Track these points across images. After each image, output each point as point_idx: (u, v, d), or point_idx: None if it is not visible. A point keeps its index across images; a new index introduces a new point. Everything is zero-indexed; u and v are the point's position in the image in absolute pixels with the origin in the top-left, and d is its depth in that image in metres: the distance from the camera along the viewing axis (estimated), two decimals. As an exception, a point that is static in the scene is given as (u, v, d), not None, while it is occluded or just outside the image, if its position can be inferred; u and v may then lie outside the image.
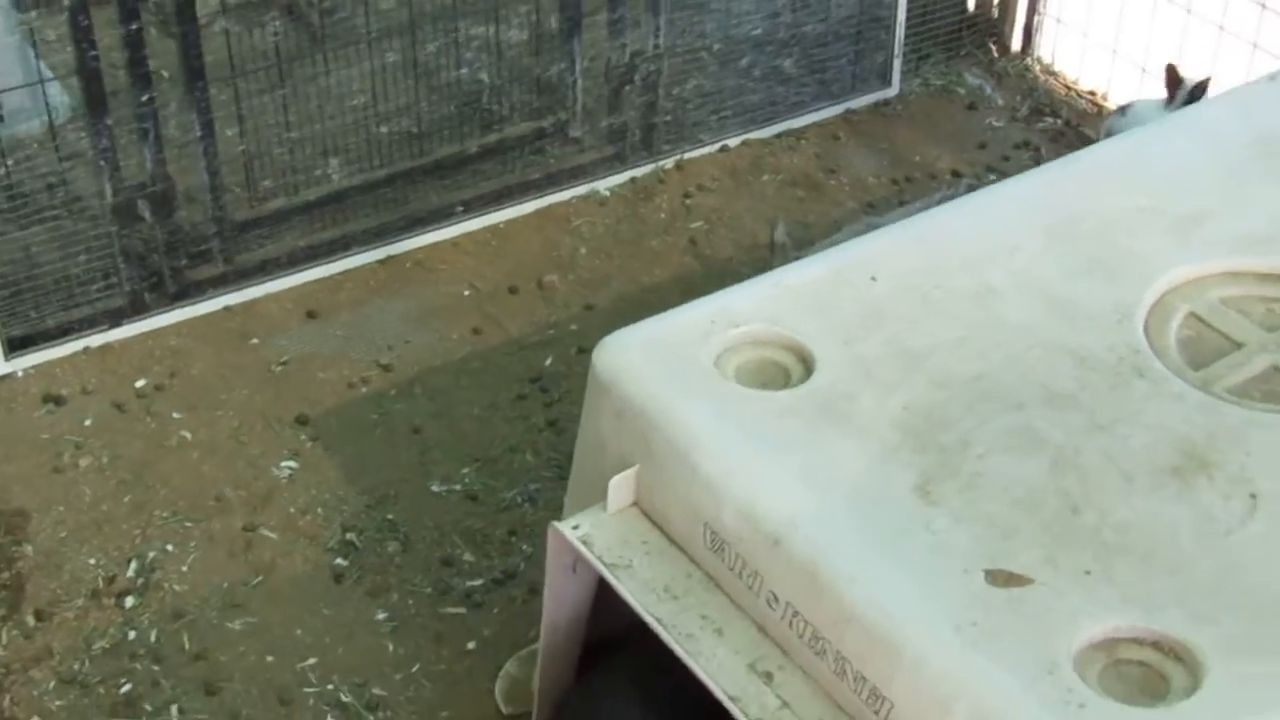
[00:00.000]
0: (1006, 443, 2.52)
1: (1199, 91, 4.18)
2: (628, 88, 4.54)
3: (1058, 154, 4.75)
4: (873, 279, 2.84)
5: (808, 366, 2.68)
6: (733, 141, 4.78)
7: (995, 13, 5.24)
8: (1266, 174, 3.14)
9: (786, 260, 4.11)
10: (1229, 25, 4.57)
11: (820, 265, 2.90)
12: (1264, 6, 4.46)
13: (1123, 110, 4.49)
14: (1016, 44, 5.22)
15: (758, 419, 2.56)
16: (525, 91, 4.47)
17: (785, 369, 2.69)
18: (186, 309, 4.16)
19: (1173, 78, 4.26)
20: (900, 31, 4.94)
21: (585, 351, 4.09)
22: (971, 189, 4.40)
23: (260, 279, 4.24)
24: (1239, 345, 2.78)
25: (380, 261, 4.33)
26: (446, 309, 4.23)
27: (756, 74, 4.80)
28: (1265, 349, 2.77)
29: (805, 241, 4.33)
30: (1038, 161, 4.80)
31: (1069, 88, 5.13)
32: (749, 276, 4.09)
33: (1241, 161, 3.17)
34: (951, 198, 4.29)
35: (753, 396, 2.60)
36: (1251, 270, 2.92)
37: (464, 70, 4.37)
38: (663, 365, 2.66)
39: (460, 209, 4.44)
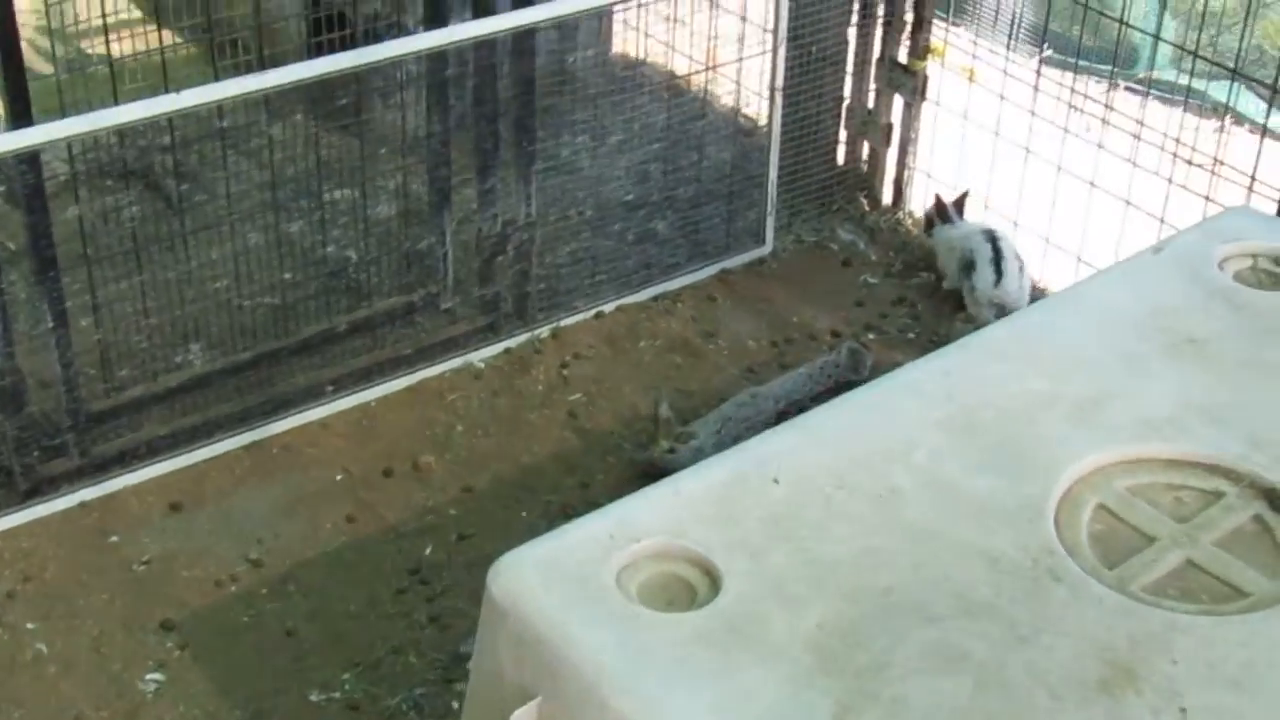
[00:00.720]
0: (926, 661, 2.42)
1: (959, 206, 4.76)
2: (500, 257, 4.46)
3: (933, 310, 4.79)
4: (775, 481, 2.74)
5: (714, 582, 2.56)
6: (608, 307, 4.72)
7: (865, 167, 5.24)
8: (1160, 352, 3.11)
9: (671, 434, 4.04)
10: (1100, 180, 4.59)
11: (720, 468, 2.80)
12: (1134, 165, 4.50)
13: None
14: (888, 198, 5.23)
15: (666, 646, 2.43)
16: (395, 265, 4.39)
17: (691, 585, 2.57)
18: (39, 507, 3.96)
19: (940, 206, 4.75)
20: (773, 190, 4.93)
21: (466, 539, 3.95)
22: (854, 352, 4.39)
23: (119, 471, 4.05)
24: (1151, 539, 2.72)
25: (246, 447, 4.17)
26: (318, 496, 4.07)
27: (630, 238, 4.76)
28: (1177, 543, 2.71)
29: (689, 413, 4.25)
30: (916, 319, 4.79)
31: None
32: (631, 451, 4.18)
33: (1135, 340, 3.14)
34: (835, 364, 4.30)
35: (659, 621, 2.48)
36: (1156, 457, 2.87)
37: (331, 247, 4.26)
38: (563, 587, 2.53)
39: (329, 388, 4.30)
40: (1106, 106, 4.56)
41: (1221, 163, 4.25)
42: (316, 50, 4.30)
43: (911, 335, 4.74)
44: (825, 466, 2.78)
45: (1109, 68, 5.18)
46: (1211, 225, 3.50)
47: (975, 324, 4.60)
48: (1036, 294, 4.82)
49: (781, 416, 4.21)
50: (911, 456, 2.81)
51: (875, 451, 2.81)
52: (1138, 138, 4.46)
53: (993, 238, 4.69)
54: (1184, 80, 5.00)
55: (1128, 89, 5.59)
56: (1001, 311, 4.50)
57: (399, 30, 4.73)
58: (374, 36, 4.46)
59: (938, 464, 2.80)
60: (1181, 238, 3.48)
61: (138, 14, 4.93)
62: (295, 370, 4.24)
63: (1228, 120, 5.33)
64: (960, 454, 2.82)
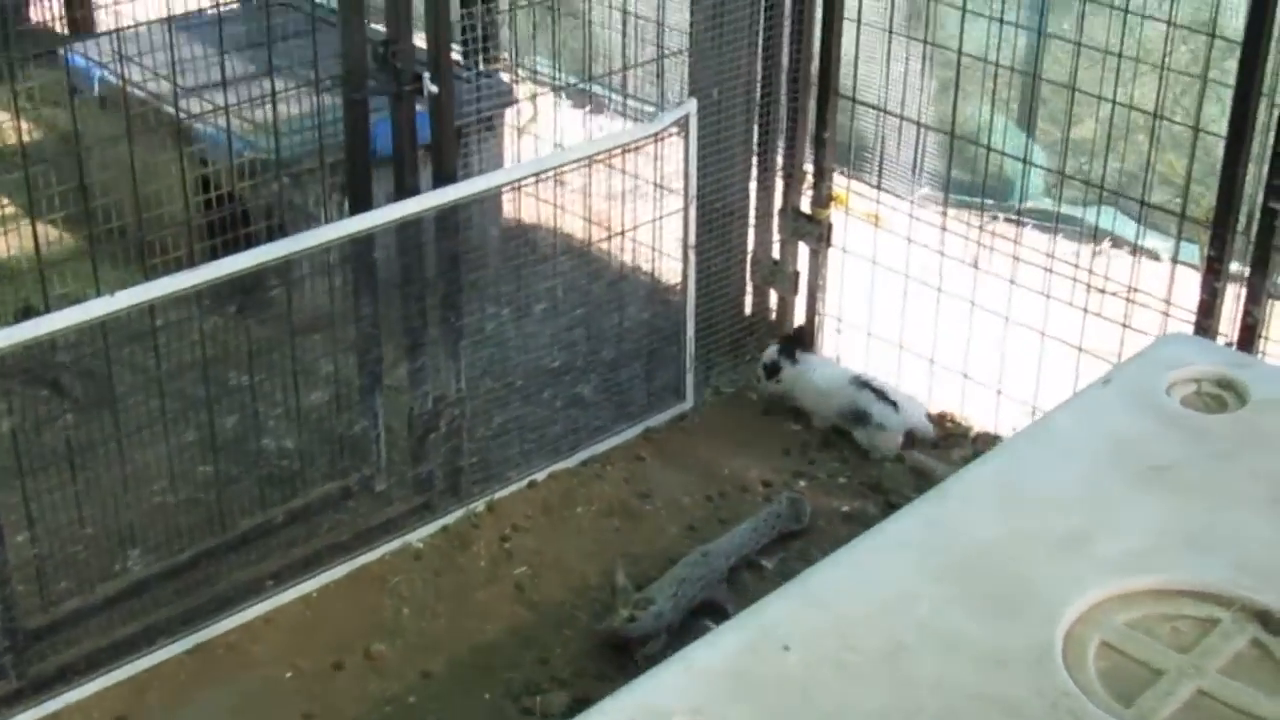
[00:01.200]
0: (970, 818, 2.40)
1: (801, 344, 4.90)
2: (433, 434, 4.41)
3: (858, 454, 4.83)
4: (785, 649, 2.72)
5: (745, 757, 2.52)
6: (540, 475, 4.68)
7: (773, 315, 5.29)
8: (1130, 484, 3.16)
9: (629, 601, 3.99)
10: (1014, 315, 4.69)
11: (728, 638, 2.77)
12: (1048, 297, 4.60)
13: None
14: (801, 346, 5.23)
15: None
16: (328, 451, 4.32)
17: (722, 763, 2.53)
18: (-21, 735, 3.78)
19: (789, 348, 4.86)
20: (690, 345, 4.95)
21: (432, 727, 3.85)
22: (794, 502, 4.41)
23: (59, 690, 3.89)
24: (1159, 673, 2.74)
25: (190, 651, 4.03)
26: (269, 696, 3.93)
27: (558, 404, 4.75)
28: (1185, 674, 2.74)
29: (641, 578, 4.21)
30: (844, 462, 4.81)
31: None
32: (588, 623, 4.10)
33: (1103, 473, 3.19)
34: (777, 514, 4.31)
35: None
36: (1147, 589, 2.91)
37: (265, 439, 4.18)
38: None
39: (269, 583, 4.20)
40: (1015, 242, 4.66)
41: (1136, 289, 4.38)
42: (209, 234, 4.24)
43: (843, 480, 4.75)
44: (832, 629, 2.76)
45: (1008, 201, 5.32)
46: (1153, 354, 3.59)
47: (908, 463, 4.67)
48: (958, 429, 4.90)
49: (733, 572, 4.24)
50: (914, 611, 2.80)
51: (877, 610, 2.81)
52: (1049, 270, 4.56)
53: (862, 383, 4.81)
54: (1066, 209, 5.18)
55: (1008, 220, 5.70)
56: (909, 438, 4.70)
57: (302, 214, 4.72)
58: (279, 223, 4.41)
59: (940, 616, 2.80)
60: (1127, 367, 3.57)
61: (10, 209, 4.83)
62: (234, 567, 4.14)
63: (1106, 244, 5.51)
64: (961, 603, 2.83)
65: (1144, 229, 5.33)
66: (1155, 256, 5.03)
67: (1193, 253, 4.62)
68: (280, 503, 4.24)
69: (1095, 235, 5.43)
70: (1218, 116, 4.26)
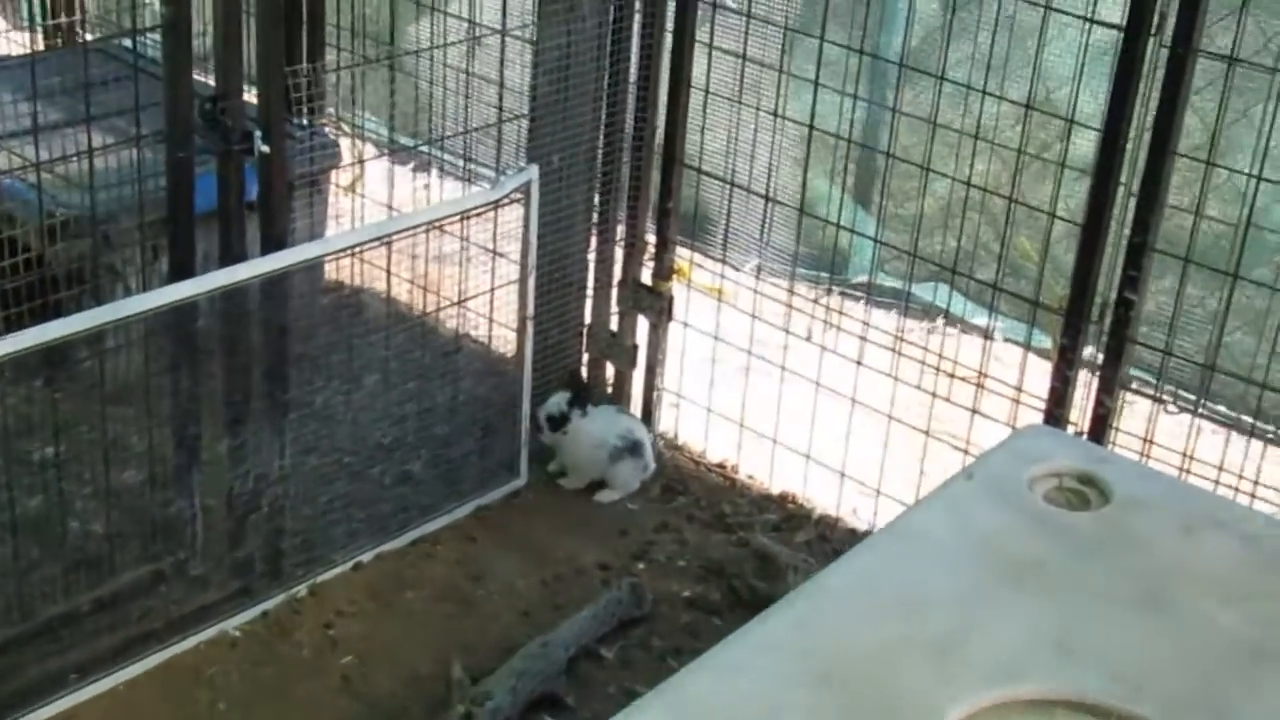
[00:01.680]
0: None
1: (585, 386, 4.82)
2: (253, 515, 4.19)
3: (698, 535, 4.72)
4: (649, 768, 2.55)
5: None
6: (366, 556, 4.46)
7: (609, 390, 5.16)
8: (997, 583, 3.06)
9: (466, 697, 3.82)
10: (862, 396, 4.62)
11: None
12: (895, 379, 4.54)
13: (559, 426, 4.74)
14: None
15: None
16: (140, 534, 4.07)
17: None
18: None
19: (580, 398, 4.75)
20: (525, 420, 4.79)
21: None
22: (634, 588, 4.28)
23: None
24: (1039, 789, 2.63)
25: None
26: None
27: (387, 481, 4.56)
28: (1067, 791, 2.63)
29: (477, 669, 4.03)
30: (683, 544, 4.70)
31: (697, 462, 5.07)
32: (422, 718, 3.88)
33: (970, 572, 3.08)
34: (618, 601, 4.19)
35: None
36: (1023, 698, 2.80)
37: (72, 521, 3.91)
38: None
39: (74, 675, 3.92)
40: (864, 324, 4.59)
41: (985, 375, 4.33)
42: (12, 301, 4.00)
43: (682, 563, 4.63)
44: None
45: (844, 276, 5.28)
46: (1014, 446, 3.50)
47: (751, 546, 4.57)
48: (801, 510, 4.81)
49: (572, 662, 4.10)
50: None
51: None
52: (897, 351, 4.50)
53: (631, 415, 4.88)
54: (901, 284, 5.14)
55: (844, 294, 5.68)
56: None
57: (117, 278, 4.47)
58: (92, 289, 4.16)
59: None
60: (989, 460, 3.47)
61: None
62: (34, 659, 3.88)
63: (941, 321, 5.50)
64: (833, 713, 2.69)
65: (974, 306, 5.34)
66: (989, 335, 5.00)
67: (1034, 336, 4.58)
68: (87, 589, 3.97)
69: (929, 312, 5.41)
70: (1050, 197, 4.23)
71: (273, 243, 3.99)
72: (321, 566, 4.36)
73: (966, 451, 4.39)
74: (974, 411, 4.35)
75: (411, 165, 6.13)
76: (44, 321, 3.60)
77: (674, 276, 4.97)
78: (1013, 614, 2.98)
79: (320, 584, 4.35)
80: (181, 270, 3.96)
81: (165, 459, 4.05)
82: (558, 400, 4.76)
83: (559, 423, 4.75)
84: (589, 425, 4.77)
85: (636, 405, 5.16)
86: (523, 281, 4.59)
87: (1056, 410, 4.08)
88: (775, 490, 4.89)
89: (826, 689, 2.74)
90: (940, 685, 2.78)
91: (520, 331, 4.67)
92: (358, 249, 4.16)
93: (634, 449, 4.79)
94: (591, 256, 4.96)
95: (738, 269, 5.07)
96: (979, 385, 4.31)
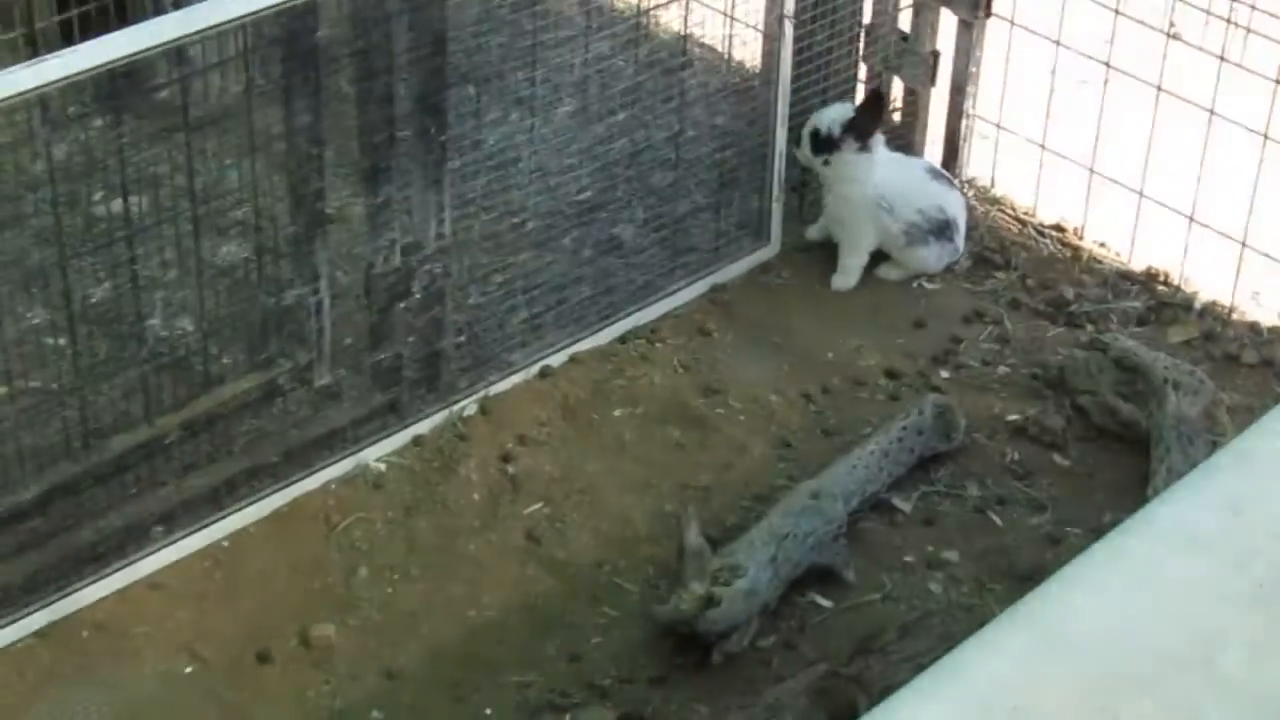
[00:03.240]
0: None
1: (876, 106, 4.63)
2: (400, 304, 4.10)
3: (1026, 329, 4.56)
4: None
5: None
6: (557, 359, 4.40)
7: (899, 117, 4.93)
8: None
9: (705, 573, 3.72)
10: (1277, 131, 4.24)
11: (934, 707, 2.39)
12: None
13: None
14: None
15: None
16: (247, 331, 4.05)
17: None
18: None
19: (873, 114, 4.58)
20: (779, 164, 4.61)
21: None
22: (941, 411, 4.14)
23: None
24: None
25: (41, 635, 3.75)
26: (160, 703, 3.68)
27: (585, 253, 4.49)
28: None
29: (714, 525, 3.94)
30: (1003, 341, 4.52)
31: (1023, 222, 4.85)
32: (639, 600, 3.90)
33: None
34: (917, 430, 4.09)
35: None
36: None
37: (152, 318, 3.93)
38: None
39: (158, 529, 3.96)
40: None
41: None
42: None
43: (1004, 369, 4.48)
44: (1092, 689, 2.40)
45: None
46: None
47: (1111, 350, 4.32)
48: (1177, 297, 4.62)
49: (853, 519, 3.99)
50: (1218, 662, 2.46)
51: (1163, 656, 2.47)
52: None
53: (937, 173, 4.73)
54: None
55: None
56: None
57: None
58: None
59: (1259, 671, 2.43)
60: None
61: None
62: (106, 507, 3.90)
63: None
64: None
65: None
66: None
67: None
68: (174, 408, 3.98)
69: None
70: None
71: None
72: (496, 373, 4.34)
73: None
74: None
75: None
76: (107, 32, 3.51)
77: (997, -46, 4.71)
78: None
79: (494, 398, 4.31)
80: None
81: (277, 226, 3.96)
82: (836, 114, 4.55)
83: (824, 146, 4.55)
84: (869, 172, 4.56)
85: (936, 140, 4.97)
86: (778, -38, 4.39)
87: None
88: (1139, 265, 4.70)
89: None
90: None
91: (773, 36, 4.48)
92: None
93: (941, 230, 4.61)
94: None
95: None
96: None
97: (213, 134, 4.04)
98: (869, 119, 4.53)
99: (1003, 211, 4.87)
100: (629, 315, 4.51)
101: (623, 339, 4.48)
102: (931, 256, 4.62)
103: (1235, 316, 4.53)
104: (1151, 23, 4.60)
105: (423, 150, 4.02)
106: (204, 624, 3.82)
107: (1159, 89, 4.48)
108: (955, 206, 4.63)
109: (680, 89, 4.50)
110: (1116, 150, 4.67)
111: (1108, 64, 4.56)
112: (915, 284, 4.68)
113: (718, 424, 4.28)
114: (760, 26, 4.51)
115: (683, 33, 4.52)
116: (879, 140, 4.55)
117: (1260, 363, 4.37)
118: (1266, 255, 4.47)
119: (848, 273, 4.63)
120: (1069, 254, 4.75)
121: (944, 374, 4.42)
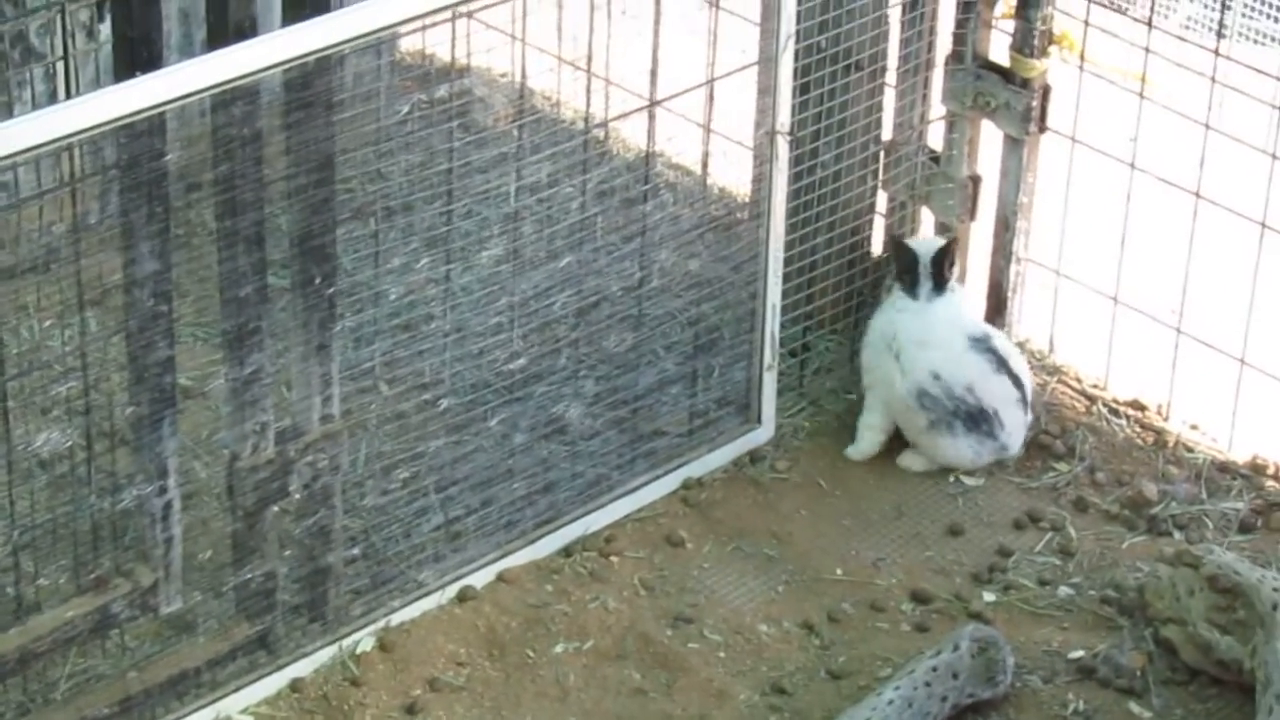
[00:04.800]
0: None
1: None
2: (274, 507, 4.11)
3: (1095, 538, 4.61)
4: None
5: None
6: (480, 578, 4.42)
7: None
8: None
9: None
10: None
11: None
12: None
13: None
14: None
15: None
16: (70, 548, 4.05)
17: None
18: None
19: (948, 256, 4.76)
20: (773, 322, 4.68)
21: None
22: (985, 647, 4.12)
23: None
24: None
25: None
26: None
27: (519, 439, 4.51)
28: None
29: None
30: (1065, 554, 4.57)
31: (1091, 398, 4.91)
32: None
33: None
34: (951, 672, 4.10)
35: None
36: None
37: None
38: None
39: None
40: None
41: None
42: None
43: (1066, 590, 4.52)
44: None
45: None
46: None
47: (1203, 567, 4.33)
48: None
49: None
50: None
51: None
52: None
53: (986, 346, 4.83)
54: None
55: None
56: None
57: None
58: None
59: None
60: None
61: None
62: None
63: None
64: None
65: None
66: None
67: None
68: None
69: None
70: None
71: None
72: (400, 596, 4.36)
73: None
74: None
75: None
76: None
77: (1051, 48, 4.83)
78: None
79: (397, 629, 4.33)
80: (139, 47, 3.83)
81: (113, 402, 4.01)
82: (926, 247, 4.77)
83: (913, 280, 4.79)
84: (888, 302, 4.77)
85: (977, 290, 5.05)
86: (773, 61, 4.49)
87: None
88: (1242, 455, 4.74)
89: None
90: None
91: (763, 157, 4.56)
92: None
93: (974, 420, 4.70)
94: (895, 18, 4.85)
95: (1169, 33, 4.86)
96: None
97: (31, 284, 4.05)
98: (948, 260, 4.75)
99: (1065, 383, 4.93)
100: (575, 520, 4.54)
101: (567, 551, 4.51)
102: (962, 450, 4.71)
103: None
104: (1252, 140, 4.63)
105: (304, 306, 4.03)
106: None
107: (1263, 225, 4.54)
108: (998, 395, 4.72)
109: (643, 225, 4.55)
110: (1211, 306, 4.73)
111: (1197, 194, 4.62)
112: (951, 478, 4.73)
113: (690, 663, 4.29)
114: (747, 143, 4.56)
115: (647, 150, 4.57)
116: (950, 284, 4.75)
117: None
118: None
119: (859, 436, 4.76)
120: (1150, 439, 4.79)
121: (988, 597, 4.45)
